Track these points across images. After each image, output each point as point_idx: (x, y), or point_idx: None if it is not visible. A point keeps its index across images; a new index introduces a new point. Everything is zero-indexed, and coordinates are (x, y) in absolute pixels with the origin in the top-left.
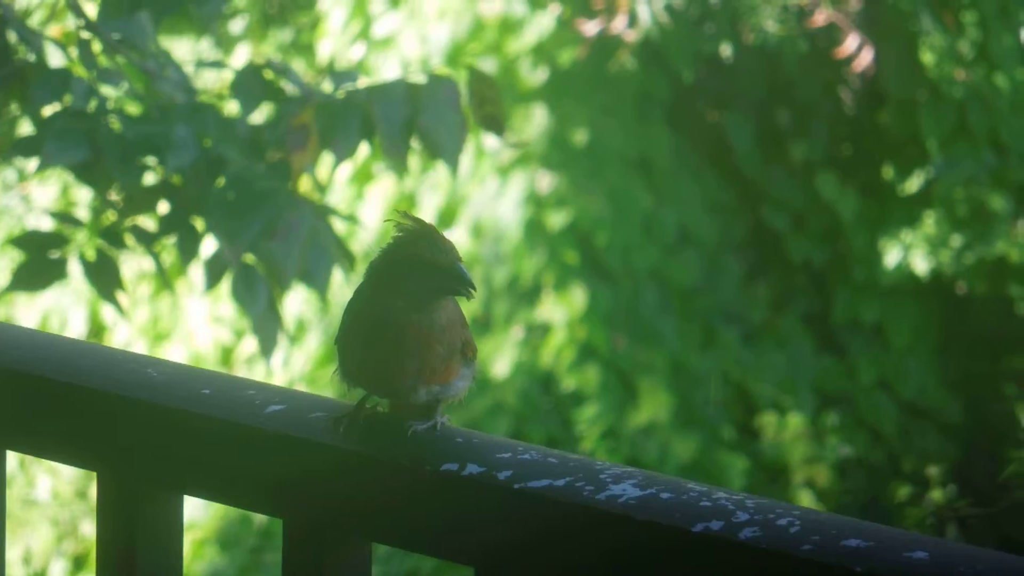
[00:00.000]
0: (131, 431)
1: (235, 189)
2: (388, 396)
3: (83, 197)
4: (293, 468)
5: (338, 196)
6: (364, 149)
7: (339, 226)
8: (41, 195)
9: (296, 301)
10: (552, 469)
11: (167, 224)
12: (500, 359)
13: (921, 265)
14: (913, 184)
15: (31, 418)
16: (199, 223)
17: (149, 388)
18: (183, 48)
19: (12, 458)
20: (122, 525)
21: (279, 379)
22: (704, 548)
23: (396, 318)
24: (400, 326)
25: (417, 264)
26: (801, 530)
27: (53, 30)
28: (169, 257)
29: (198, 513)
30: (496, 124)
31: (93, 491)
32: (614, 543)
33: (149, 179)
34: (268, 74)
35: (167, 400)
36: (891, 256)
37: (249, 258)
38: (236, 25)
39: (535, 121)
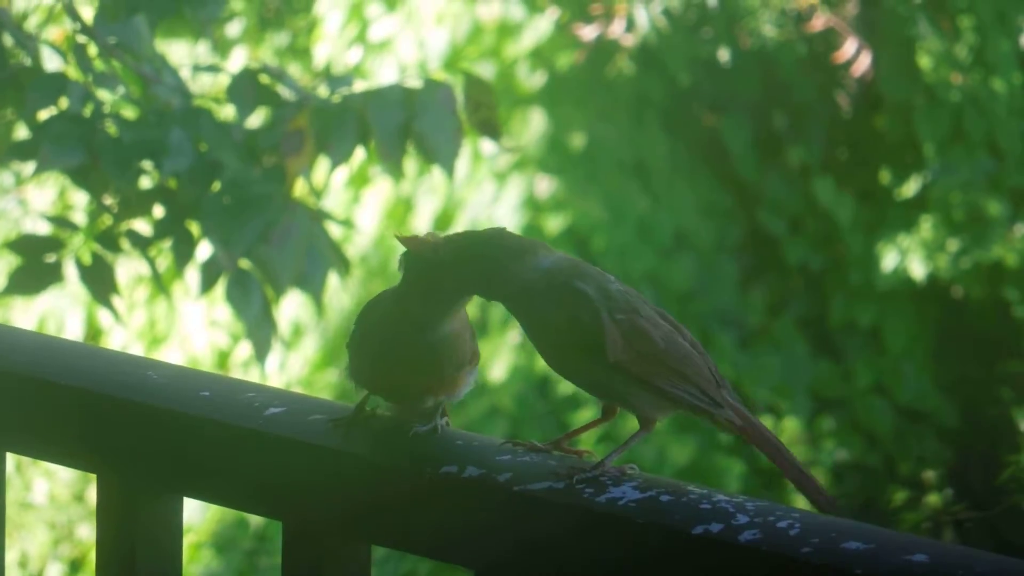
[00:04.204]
0: (131, 433)
1: (231, 194)
2: (394, 402)
3: (80, 201)
4: (293, 470)
5: (334, 200)
6: (360, 154)
7: (335, 231)
8: (38, 199)
9: (292, 305)
10: (552, 472)
11: (162, 228)
12: (497, 363)
13: (918, 269)
14: (910, 188)
15: (31, 420)
16: (194, 227)
17: (148, 390)
18: (179, 51)
19: (9, 461)
20: (122, 528)
21: (275, 383)
22: (704, 550)
23: (406, 338)
24: (410, 349)
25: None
26: (801, 532)
27: (55, 34)
28: (164, 261)
29: (194, 516)
30: (492, 129)
31: (90, 494)
32: (615, 546)
33: (145, 183)
34: (264, 78)
35: (167, 402)
36: (888, 260)
37: (244, 263)
38: (232, 28)
39: (533, 125)
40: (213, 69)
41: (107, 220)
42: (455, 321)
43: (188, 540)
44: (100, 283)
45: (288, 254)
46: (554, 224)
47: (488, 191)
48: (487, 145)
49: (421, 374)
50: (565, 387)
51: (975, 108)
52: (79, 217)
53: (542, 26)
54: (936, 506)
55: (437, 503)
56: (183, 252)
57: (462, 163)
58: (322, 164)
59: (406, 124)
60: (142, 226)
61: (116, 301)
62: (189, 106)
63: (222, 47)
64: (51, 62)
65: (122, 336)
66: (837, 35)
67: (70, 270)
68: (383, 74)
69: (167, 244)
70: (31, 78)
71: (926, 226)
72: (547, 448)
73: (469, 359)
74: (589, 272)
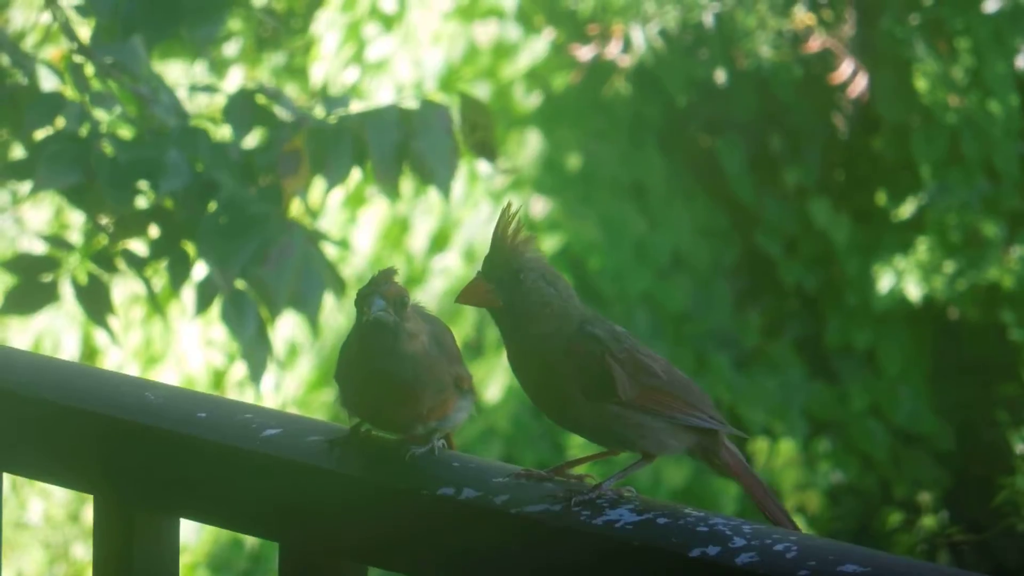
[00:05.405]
0: (128, 454)
1: (227, 214)
2: (387, 431)
3: (76, 220)
4: (290, 492)
5: (330, 220)
6: (356, 174)
7: (331, 251)
8: (34, 218)
9: (288, 325)
10: (549, 494)
11: (158, 248)
12: (492, 384)
13: (914, 291)
14: (906, 210)
15: (28, 441)
16: (190, 247)
17: (146, 411)
18: (176, 71)
19: (5, 481)
20: (118, 548)
21: (270, 403)
22: (701, 573)
23: (379, 367)
24: (383, 378)
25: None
26: (799, 556)
27: (52, 53)
28: (160, 281)
29: (190, 536)
30: (488, 150)
31: (85, 514)
32: (611, 568)
33: (141, 203)
34: (260, 99)
35: (164, 423)
36: (884, 282)
37: (240, 283)
38: (229, 48)
39: (529, 146)
40: (210, 89)
41: (103, 240)
42: (419, 336)
43: (183, 560)
44: (96, 303)
45: (284, 274)
46: (550, 245)
47: (484, 211)
48: (483, 165)
49: (400, 396)
50: None
51: (972, 130)
52: (75, 237)
53: (538, 47)
54: (931, 529)
55: (434, 525)
56: (179, 272)
57: (458, 183)
58: (318, 184)
59: (402, 145)
60: (138, 246)
61: (112, 321)
62: (186, 126)
63: (219, 67)
64: (48, 82)
65: (118, 356)
66: (834, 56)
67: (66, 290)
68: (380, 94)
69: (163, 264)
70: (28, 98)
71: (922, 248)
72: (548, 476)
73: (453, 382)
74: (587, 311)
